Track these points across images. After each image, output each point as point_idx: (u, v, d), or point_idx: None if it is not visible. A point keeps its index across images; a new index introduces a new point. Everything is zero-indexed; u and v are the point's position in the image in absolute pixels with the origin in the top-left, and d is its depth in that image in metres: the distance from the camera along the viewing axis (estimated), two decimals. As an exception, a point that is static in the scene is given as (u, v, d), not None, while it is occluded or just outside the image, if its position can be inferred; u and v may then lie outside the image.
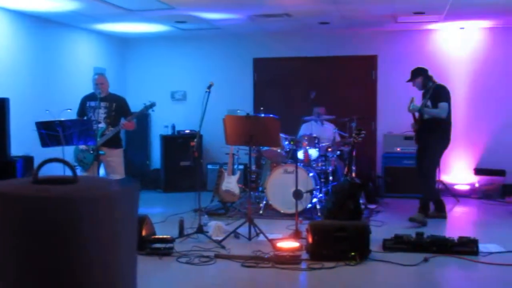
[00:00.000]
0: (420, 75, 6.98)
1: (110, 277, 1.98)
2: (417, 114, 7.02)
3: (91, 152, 6.42)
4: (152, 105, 6.56)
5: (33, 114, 7.19)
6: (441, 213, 7.08)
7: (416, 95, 7.08)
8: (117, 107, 6.59)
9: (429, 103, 6.83)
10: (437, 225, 6.72)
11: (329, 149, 7.63)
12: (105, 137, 6.42)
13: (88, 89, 6.98)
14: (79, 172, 6.48)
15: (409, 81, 7.10)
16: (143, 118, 9.71)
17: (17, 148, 6.99)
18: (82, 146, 6.44)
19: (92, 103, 6.56)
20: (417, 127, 7.02)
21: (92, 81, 6.66)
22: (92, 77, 6.71)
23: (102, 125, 6.49)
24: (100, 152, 6.37)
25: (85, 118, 6.56)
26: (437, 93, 6.85)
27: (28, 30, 7.76)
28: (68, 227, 1.83)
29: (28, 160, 7.00)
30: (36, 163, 6.83)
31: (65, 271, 1.85)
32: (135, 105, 7.12)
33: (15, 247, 1.83)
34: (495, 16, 8.10)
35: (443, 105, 6.78)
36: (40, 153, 6.71)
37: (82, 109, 6.67)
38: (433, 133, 6.85)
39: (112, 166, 6.59)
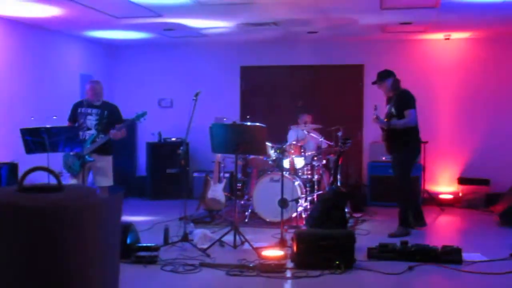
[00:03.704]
0: (390, 77, 6.71)
1: (93, 285, 1.98)
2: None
3: (79, 159, 6.39)
4: (143, 114, 6.52)
5: (19, 121, 7.16)
6: (419, 221, 7.06)
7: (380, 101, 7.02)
8: (109, 114, 6.54)
9: (393, 110, 6.63)
10: (422, 234, 6.76)
11: (315, 158, 7.65)
12: (95, 144, 6.37)
13: (75, 95, 6.97)
14: (68, 178, 6.45)
15: (375, 83, 6.85)
16: (130, 125, 9.66)
17: (1, 155, 6.95)
18: (72, 152, 6.39)
19: (84, 110, 6.52)
20: (385, 137, 6.76)
21: (89, 88, 6.57)
22: (89, 85, 6.64)
23: (92, 131, 6.45)
24: (89, 158, 6.32)
25: (76, 124, 6.53)
26: (402, 99, 6.60)
27: (15, 36, 7.73)
28: (53, 236, 1.83)
29: (13, 166, 6.95)
30: (20, 170, 6.79)
31: (49, 279, 1.85)
32: (122, 112, 7.10)
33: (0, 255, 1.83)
34: (481, 26, 8.19)
35: (410, 112, 6.54)
36: (25, 159, 6.66)
37: (74, 115, 6.63)
38: (403, 144, 6.63)
39: (101, 173, 6.52)
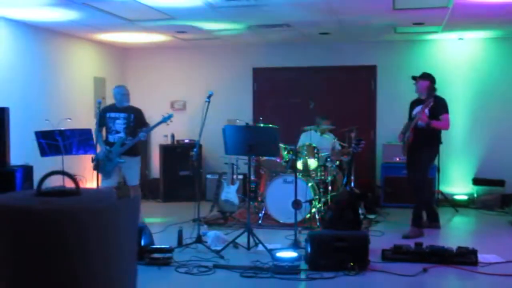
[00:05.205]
0: (429, 79, 6.78)
1: (111, 287, 1.99)
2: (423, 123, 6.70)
3: (103, 159, 6.62)
4: (169, 116, 6.82)
5: (33, 124, 7.22)
6: (434, 223, 7.04)
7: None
8: (136, 118, 6.94)
9: (426, 111, 6.60)
10: (436, 235, 6.72)
11: (329, 159, 7.63)
12: (125, 147, 6.72)
13: (89, 98, 7.01)
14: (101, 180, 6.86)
15: (414, 78, 6.90)
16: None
17: (16, 158, 6.99)
18: (101, 155, 6.70)
19: (112, 114, 6.87)
20: (412, 137, 6.69)
21: (119, 94, 6.95)
22: (120, 90, 7.00)
23: (121, 134, 6.81)
24: (120, 160, 6.70)
25: (103, 128, 6.91)
26: (437, 104, 6.65)
27: (28, 40, 7.79)
28: (71, 239, 1.84)
29: (27, 169, 7.00)
30: (35, 173, 6.84)
31: (67, 282, 1.86)
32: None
33: (19, 259, 1.84)
34: (494, 27, 8.13)
35: (447, 117, 6.65)
36: (39, 162, 6.73)
37: (102, 120, 6.92)
38: (427, 145, 6.69)
39: (129, 173, 6.94)
